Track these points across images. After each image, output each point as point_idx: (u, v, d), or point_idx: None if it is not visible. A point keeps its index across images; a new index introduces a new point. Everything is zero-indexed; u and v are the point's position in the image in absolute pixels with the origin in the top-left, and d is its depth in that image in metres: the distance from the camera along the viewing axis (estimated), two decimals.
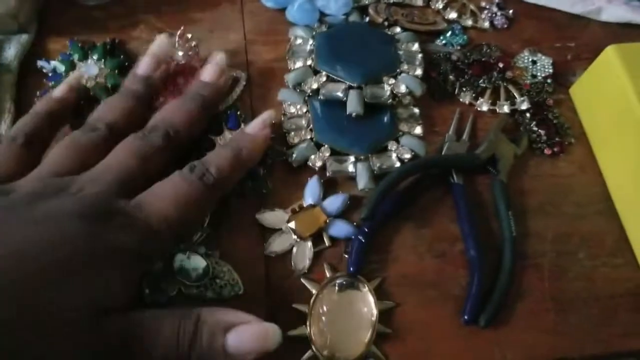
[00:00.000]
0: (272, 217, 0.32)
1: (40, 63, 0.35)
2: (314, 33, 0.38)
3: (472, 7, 0.42)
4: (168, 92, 0.35)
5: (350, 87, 0.35)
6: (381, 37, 0.38)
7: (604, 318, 0.31)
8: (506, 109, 0.37)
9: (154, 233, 0.25)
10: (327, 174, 0.33)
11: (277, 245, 0.31)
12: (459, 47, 0.40)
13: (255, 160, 0.31)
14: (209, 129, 0.33)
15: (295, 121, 0.35)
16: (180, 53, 0.35)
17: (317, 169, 0.33)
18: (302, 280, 0.31)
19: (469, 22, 0.41)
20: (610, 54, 0.34)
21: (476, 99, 0.38)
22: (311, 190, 0.32)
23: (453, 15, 0.41)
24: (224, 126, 0.34)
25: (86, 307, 0.22)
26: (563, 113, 0.38)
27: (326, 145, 0.34)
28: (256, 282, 0.30)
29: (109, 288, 0.24)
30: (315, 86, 0.35)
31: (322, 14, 0.40)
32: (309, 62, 0.36)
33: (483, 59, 0.39)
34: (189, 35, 0.36)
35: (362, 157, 0.34)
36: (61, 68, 0.35)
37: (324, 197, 0.33)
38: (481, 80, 0.38)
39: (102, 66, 0.35)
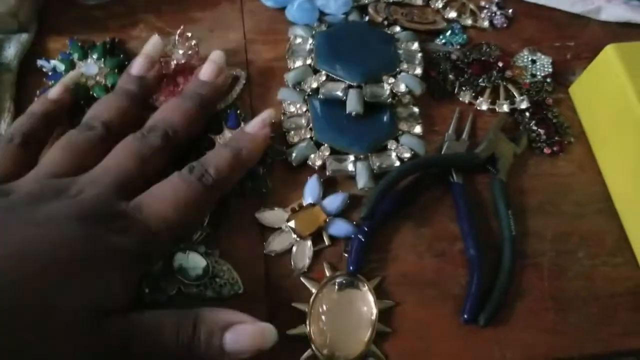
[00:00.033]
0: (271, 216, 0.32)
1: (40, 62, 0.35)
2: (313, 32, 0.38)
3: (471, 6, 0.42)
4: (168, 91, 0.35)
5: (349, 86, 0.35)
6: (381, 36, 0.38)
7: (604, 317, 0.31)
8: (506, 108, 0.37)
9: (153, 235, 0.25)
10: (327, 173, 0.33)
11: (276, 244, 0.31)
12: (458, 47, 0.40)
13: (255, 159, 0.31)
14: (209, 128, 0.33)
15: (295, 120, 0.35)
16: (180, 52, 0.35)
17: (316, 168, 0.33)
18: (302, 279, 0.31)
19: (469, 22, 0.41)
20: (609, 53, 0.34)
21: (476, 98, 0.38)
22: (311, 189, 0.32)
23: (453, 14, 0.41)
24: (223, 125, 0.34)
25: (86, 309, 0.23)
26: (562, 112, 0.38)
27: (326, 145, 0.34)
28: (256, 281, 0.30)
29: (109, 290, 0.24)
30: (315, 85, 0.35)
31: (322, 13, 0.40)
32: (308, 62, 0.36)
33: (483, 58, 0.39)
34: (189, 34, 0.36)
35: (361, 156, 0.34)
36: (61, 67, 0.35)
37: (324, 196, 0.33)
38: (481, 80, 0.38)
39: (102, 65, 0.35)
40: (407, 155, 0.34)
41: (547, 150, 0.36)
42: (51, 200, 0.24)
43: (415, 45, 0.38)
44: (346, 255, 0.31)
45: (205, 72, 0.33)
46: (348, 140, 0.34)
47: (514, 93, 0.38)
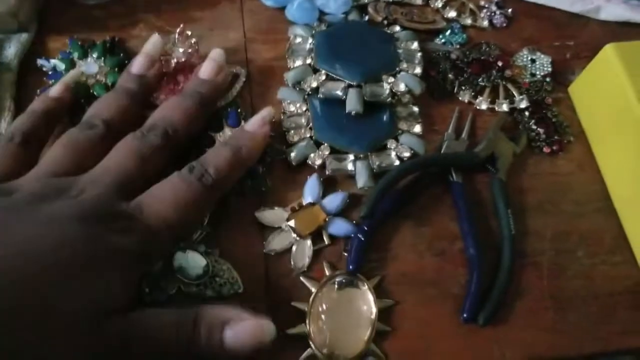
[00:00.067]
0: (271, 215, 0.32)
1: (40, 61, 0.35)
2: (313, 32, 0.38)
3: (471, 5, 0.42)
4: (168, 90, 0.35)
5: (349, 86, 0.35)
6: (380, 36, 0.38)
7: (603, 316, 0.31)
8: (505, 107, 0.37)
9: (153, 235, 0.25)
10: (327, 173, 0.33)
11: (276, 243, 0.31)
12: (458, 46, 0.40)
13: (254, 158, 0.31)
14: (209, 126, 0.33)
15: (295, 120, 0.35)
16: (181, 50, 0.35)
17: (316, 167, 0.33)
18: (302, 279, 0.31)
19: (468, 21, 0.41)
20: (608, 52, 0.34)
21: (475, 97, 0.38)
22: (311, 188, 0.33)
23: (452, 14, 0.41)
24: (224, 123, 0.34)
25: (86, 309, 0.23)
26: (562, 111, 0.38)
27: (326, 144, 0.34)
28: (256, 281, 0.30)
29: (109, 290, 0.24)
30: (314, 85, 0.35)
31: (322, 13, 0.40)
32: (308, 61, 0.36)
33: (482, 58, 0.39)
34: (189, 33, 0.36)
35: (361, 156, 0.34)
36: (61, 66, 0.35)
37: (324, 195, 0.33)
38: (480, 79, 0.38)
39: (102, 64, 0.35)
40: (406, 154, 0.34)
41: (546, 150, 0.36)
42: (52, 200, 0.25)
43: (415, 45, 0.38)
44: (346, 254, 0.31)
45: (205, 70, 0.33)
46: (348, 140, 0.34)
47: (514, 92, 0.38)
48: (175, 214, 0.26)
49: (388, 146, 0.35)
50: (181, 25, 0.36)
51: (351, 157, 0.34)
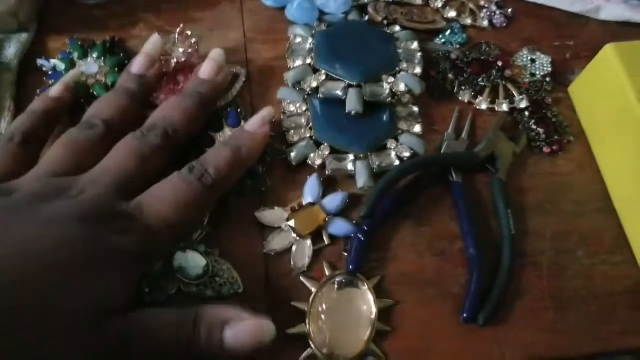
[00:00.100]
0: (271, 215, 0.32)
1: (40, 61, 0.35)
2: (313, 32, 0.38)
3: (471, 6, 0.42)
4: (168, 90, 0.35)
5: (349, 86, 0.35)
6: (380, 36, 0.38)
7: (603, 316, 0.31)
8: (505, 107, 0.37)
9: (153, 235, 0.26)
10: (327, 173, 0.33)
11: (276, 243, 0.31)
12: (458, 46, 0.40)
13: (254, 158, 0.31)
14: (210, 126, 0.33)
15: (295, 120, 0.35)
16: (181, 50, 0.35)
17: (316, 167, 0.33)
18: (302, 279, 0.31)
19: (468, 21, 0.41)
20: (608, 52, 0.34)
21: (475, 97, 0.38)
22: (311, 188, 0.33)
23: (452, 14, 0.41)
24: (224, 123, 0.34)
25: (86, 309, 0.23)
26: (562, 111, 0.38)
27: (326, 144, 0.34)
28: (256, 281, 0.30)
29: (109, 290, 0.24)
30: (314, 85, 0.35)
31: (322, 13, 0.40)
32: (308, 61, 0.36)
33: (482, 58, 0.39)
34: (189, 33, 0.36)
35: (361, 156, 0.34)
36: (61, 66, 0.35)
37: (324, 195, 0.33)
38: (480, 79, 0.38)
39: (102, 64, 0.35)
40: (406, 154, 0.34)
41: (546, 150, 0.36)
42: (52, 200, 0.25)
43: (415, 45, 0.38)
44: (346, 254, 0.31)
45: (205, 70, 0.33)
46: (348, 140, 0.34)
47: (514, 92, 0.38)
48: (175, 214, 0.26)
49: (388, 146, 0.35)
50: (181, 25, 0.36)
51: (351, 157, 0.34)
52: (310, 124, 0.35)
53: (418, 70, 0.36)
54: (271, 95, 0.36)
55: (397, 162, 0.34)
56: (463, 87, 0.38)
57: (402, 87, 0.35)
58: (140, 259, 0.26)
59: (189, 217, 0.27)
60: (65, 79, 0.34)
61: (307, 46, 0.37)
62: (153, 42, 0.34)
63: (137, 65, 0.33)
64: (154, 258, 0.28)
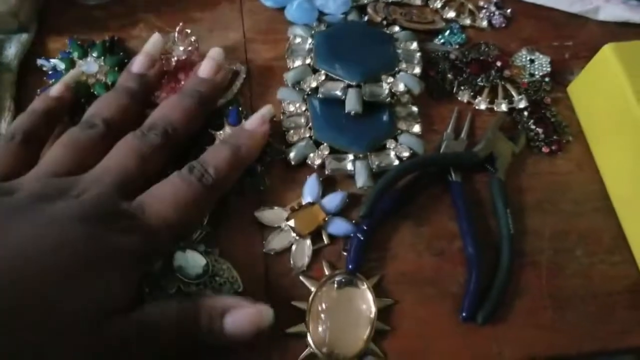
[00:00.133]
0: (271, 215, 0.32)
1: (40, 61, 0.35)
2: (312, 32, 0.38)
3: (470, 6, 0.43)
4: (169, 88, 0.35)
5: (349, 86, 0.35)
6: (380, 36, 0.38)
7: (602, 315, 0.31)
8: (504, 107, 0.38)
9: (154, 235, 0.26)
10: (326, 172, 0.33)
11: (276, 243, 0.31)
12: (457, 46, 0.40)
13: (253, 156, 0.31)
14: (210, 124, 0.33)
15: (295, 119, 0.35)
16: (181, 48, 0.35)
17: (316, 167, 0.34)
18: (301, 278, 0.31)
19: (467, 21, 0.42)
20: (607, 52, 0.34)
21: (474, 97, 0.38)
22: (310, 188, 0.33)
23: (451, 14, 0.42)
24: (225, 121, 0.34)
25: (87, 309, 0.23)
26: (561, 111, 0.38)
27: (325, 144, 0.34)
28: (255, 280, 0.30)
29: (109, 290, 0.24)
30: (314, 85, 0.35)
31: (321, 13, 0.40)
32: (308, 61, 0.36)
33: (481, 58, 0.39)
34: (188, 31, 0.36)
35: (360, 155, 0.34)
36: (61, 66, 0.35)
37: (323, 195, 0.33)
38: (479, 79, 0.38)
39: (102, 63, 0.35)
40: (406, 154, 0.34)
41: (545, 149, 0.36)
42: (54, 201, 0.25)
43: (414, 45, 0.38)
44: (345, 253, 0.32)
45: (204, 69, 0.33)
46: (347, 140, 0.34)
47: (513, 92, 0.38)
48: (176, 214, 0.26)
49: (387, 146, 0.35)
50: (180, 24, 0.36)
51: (350, 156, 0.34)
52: (310, 124, 0.35)
53: (417, 70, 0.36)
54: (271, 95, 0.37)
55: (396, 162, 0.34)
56: (462, 87, 0.38)
57: (401, 87, 0.35)
58: (141, 259, 0.26)
59: (189, 217, 0.28)
60: (66, 78, 0.34)
61: (307, 46, 0.37)
62: (153, 42, 0.35)
63: (137, 64, 0.33)
64: (154, 258, 0.28)
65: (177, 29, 0.36)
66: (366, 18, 0.40)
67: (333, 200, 0.32)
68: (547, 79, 0.39)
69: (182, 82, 0.35)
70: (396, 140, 0.35)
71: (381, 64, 0.36)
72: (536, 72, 0.39)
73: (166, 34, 0.36)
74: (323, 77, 0.35)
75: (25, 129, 0.30)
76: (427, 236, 0.33)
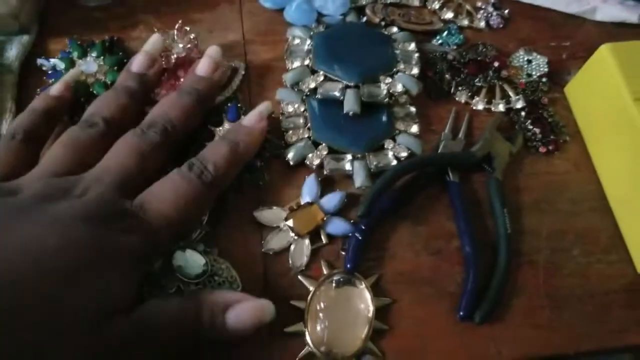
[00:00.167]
0: (270, 214, 0.32)
1: (39, 61, 0.36)
2: (311, 33, 0.38)
3: (468, 7, 0.43)
4: (169, 85, 0.35)
5: (347, 87, 0.35)
6: (378, 37, 0.38)
7: (599, 314, 0.32)
8: (501, 107, 0.38)
9: (154, 234, 0.26)
10: (325, 172, 0.34)
11: (275, 242, 0.32)
12: (455, 47, 0.40)
13: (252, 153, 0.32)
14: (209, 120, 0.34)
15: (293, 120, 0.35)
16: (180, 46, 0.36)
17: (314, 167, 0.34)
18: (300, 277, 0.31)
19: (465, 22, 0.42)
20: (604, 52, 0.34)
21: (472, 97, 0.38)
22: (309, 188, 0.33)
23: (449, 15, 0.42)
24: (224, 118, 0.34)
25: (87, 310, 0.23)
26: (558, 111, 0.38)
27: (324, 144, 0.34)
28: (254, 279, 0.31)
29: (110, 290, 0.24)
30: (312, 85, 0.35)
31: (320, 15, 0.40)
32: (306, 62, 0.36)
33: (479, 58, 0.39)
34: (188, 28, 0.36)
35: (359, 156, 0.34)
36: (61, 65, 0.35)
37: (322, 195, 0.33)
38: (477, 79, 0.38)
39: (101, 63, 0.36)
40: (404, 154, 0.34)
41: (542, 149, 0.37)
42: (57, 201, 0.25)
43: (412, 46, 0.38)
44: (343, 253, 0.32)
45: (202, 67, 0.34)
46: (346, 140, 0.34)
47: (510, 93, 0.38)
48: (176, 211, 0.27)
49: (385, 146, 0.35)
50: (179, 22, 0.36)
51: (349, 157, 0.34)
52: (309, 125, 0.35)
53: (415, 71, 0.37)
54: (270, 96, 0.37)
55: (394, 162, 0.34)
56: (460, 88, 0.38)
57: (399, 87, 0.35)
58: (142, 258, 0.26)
59: (190, 215, 0.28)
60: (66, 77, 0.34)
61: (306, 47, 0.37)
62: (153, 42, 0.35)
63: (136, 63, 0.33)
64: (155, 257, 0.28)
65: (177, 26, 0.36)
66: (364, 19, 0.40)
67: (331, 200, 0.33)
68: (544, 79, 0.39)
69: (182, 80, 0.35)
70: (394, 140, 0.35)
71: (379, 64, 0.36)
72: (533, 73, 0.39)
73: (166, 33, 0.36)
74: (322, 78, 0.35)
75: (25, 128, 0.30)
76: (424, 236, 0.33)
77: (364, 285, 0.30)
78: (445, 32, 0.41)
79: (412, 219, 0.33)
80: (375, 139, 0.35)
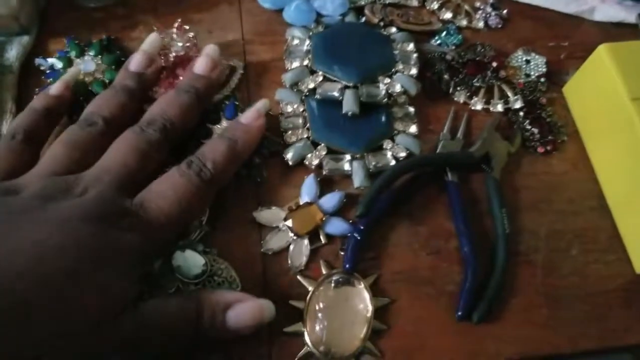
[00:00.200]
0: (269, 215, 0.32)
1: (37, 60, 0.36)
2: (310, 33, 0.38)
3: (466, 7, 0.43)
4: (168, 83, 0.35)
5: (346, 87, 0.35)
6: (377, 38, 0.39)
7: (597, 314, 0.32)
8: (500, 107, 0.38)
9: (154, 232, 0.26)
10: (324, 173, 0.34)
11: (274, 242, 0.32)
12: (453, 47, 0.40)
13: (250, 150, 0.32)
14: (208, 118, 0.34)
15: (292, 120, 0.36)
16: (179, 44, 0.36)
17: (313, 167, 0.34)
18: (299, 277, 0.31)
19: (464, 22, 0.42)
20: (602, 52, 0.34)
21: (470, 98, 0.38)
22: (308, 188, 0.33)
23: (448, 15, 0.42)
24: (221, 115, 0.34)
25: (88, 309, 0.23)
26: (556, 111, 0.38)
27: (322, 144, 0.34)
28: (253, 279, 0.31)
29: (110, 290, 0.24)
30: (311, 86, 0.35)
31: (319, 15, 0.40)
32: (305, 62, 0.36)
33: (477, 59, 0.39)
34: (187, 27, 0.36)
35: (357, 156, 0.34)
36: (59, 64, 0.35)
37: (320, 195, 0.33)
38: (475, 80, 0.39)
39: (99, 62, 0.36)
40: (402, 154, 0.34)
41: (540, 149, 0.37)
42: (58, 200, 0.25)
43: (411, 46, 0.38)
44: (342, 253, 0.32)
45: (200, 65, 0.34)
46: (344, 140, 0.34)
47: (508, 93, 0.38)
48: (176, 209, 0.27)
49: (384, 146, 0.35)
50: (179, 20, 0.36)
51: (348, 157, 0.34)
52: (308, 125, 0.35)
53: (414, 71, 0.37)
54: (269, 96, 0.37)
55: (393, 162, 0.34)
56: (458, 88, 0.38)
57: (398, 87, 0.35)
58: (142, 258, 0.26)
59: (190, 212, 0.28)
60: (65, 77, 0.34)
61: (305, 48, 0.37)
62: (151, 41, 0.35)
63: (135, 62, 0.33)
64: (155, 256, 0.28)
65: (176, 25, 0.36)
66: (363, 19, 0.40)
67: (330, 200, 0.33)
68: (542, 80, 0.39)
69: (180, 78, 0.35)
70: (393, 140, 0.35)
71: (378, 65, 0.36)
72: (532, 73, 0.39)
73: (164, 31, 0.36)
74: (321, 78, 0.35)
75: (26, 128, 0.30)
76: (423, 236, 0.33)
77: (362, 285, 0.31)
78: (444, 33, 0.41)
79: (410, 218, 0.34)
80: (374, 139, 0.35)
